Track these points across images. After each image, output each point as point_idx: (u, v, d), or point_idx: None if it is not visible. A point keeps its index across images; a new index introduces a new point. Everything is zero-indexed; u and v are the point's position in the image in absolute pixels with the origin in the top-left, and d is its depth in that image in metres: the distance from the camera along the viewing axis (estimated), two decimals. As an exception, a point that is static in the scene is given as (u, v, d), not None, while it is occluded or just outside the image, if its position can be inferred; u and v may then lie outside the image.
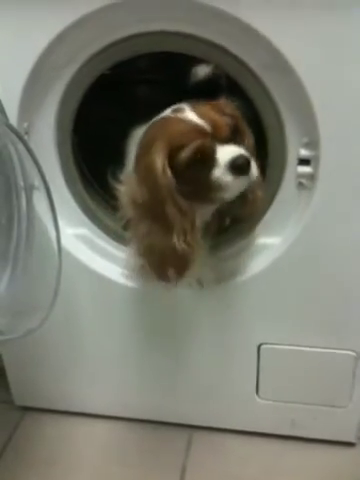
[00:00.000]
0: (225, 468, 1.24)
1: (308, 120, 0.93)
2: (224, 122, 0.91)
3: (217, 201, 0.95)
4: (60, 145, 1.06)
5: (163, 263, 0.96)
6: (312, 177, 0.98)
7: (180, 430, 1.32)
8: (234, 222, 1.10)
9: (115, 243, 1.15)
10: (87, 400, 1.35)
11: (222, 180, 0.90)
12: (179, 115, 0.91)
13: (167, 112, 0.94)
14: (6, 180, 0.98)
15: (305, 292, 1.09)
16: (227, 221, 1.10)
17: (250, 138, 0.97)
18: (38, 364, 1.32)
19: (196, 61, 1.10)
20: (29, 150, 0.93)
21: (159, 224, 0.92)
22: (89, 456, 1.28)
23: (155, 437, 1.31)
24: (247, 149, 0.92)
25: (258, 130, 0.99)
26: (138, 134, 0.99)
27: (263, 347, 1.17)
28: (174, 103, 0.96)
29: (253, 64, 0.93)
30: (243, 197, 0.97)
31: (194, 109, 0.91)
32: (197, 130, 0.89)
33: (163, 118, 0.94)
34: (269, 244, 1.08)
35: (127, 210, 0.95)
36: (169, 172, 0.89)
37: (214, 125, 0.90)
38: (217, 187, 0.91)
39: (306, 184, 1.00)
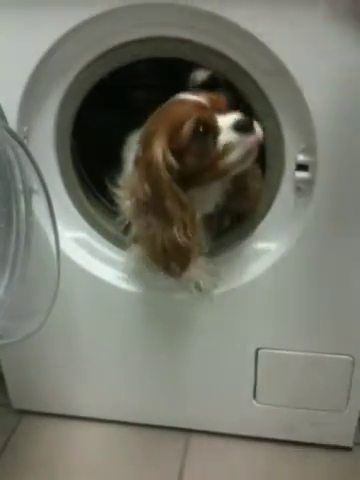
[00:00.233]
0: (222, 472, 1.24)
1: (306, 126, 0.94)
2: (222, 98, 0.93)
3: (226, 171, 0.94)
4: (59, 149, 1.06)
5: (165, 256, 0.96)
6: (310, 182, 0.99)
7: (177, 434, 1.32)
8: (233, 223, 1.11)
9: (114, 247, 1.15)
10: (84, 404, 1.35)
11: (228, 142, 0.91)
12: (176, 99, 0.94)
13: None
14: (5, 184, 0.98)
15: (303, 297, 1.10)
16: (227, 222, 1.11)
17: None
18: (36, 367, 1.32)
19: (194, 66, 1.10)
20: (28, 154, 0.93)
21: (159, 217, 0.93)
22: (86, 460, 1.28)
23: (152, 441, 1.31)
24: None
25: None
26: (137, 139, 0.99)
27: (261, 352, 1.18)
28: None
29: (251, 70, 0.93)
30: (242, 190, 1.00)
31: (191, 92, 0.93)
32: (196, 105, 0.91)
33: (160, 107, 0.95)
34: (267, 249, 1.08)
35: (129, 208, 0.96)
36: (170, 157, 0.90)
37: (212, 100, 0.91)
38: (225, 151, 0.91)
39: (304, 189, 1.00)
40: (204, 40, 0.93)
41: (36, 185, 0.97)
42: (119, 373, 1.29)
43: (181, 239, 0.93)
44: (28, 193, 0.99)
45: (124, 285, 1.15)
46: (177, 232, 0.93)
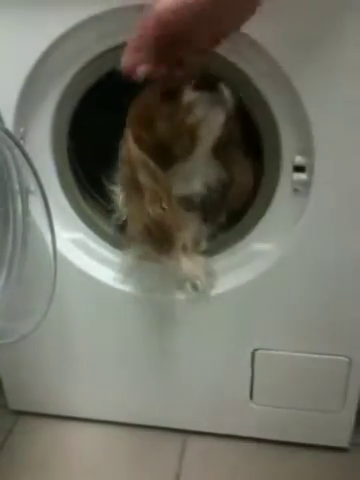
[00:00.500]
0: (219, 474, 1.24)
1: (303, 127, 0.94)
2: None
3: (195, 132, 0.93)
4: (56, 150, 1.06)
5: (147, 233, 0.98)
6: (307, 184, 0.99)
7: (174, 435, 1.32)
8: (230, 221, 1.11)
9: (111, 248, 1.15)
10: (81, 405, 1.35)
11: (190, 100, 0.91)
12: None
13: None
14: (2, 185, 0.98)
15: (299, 298, 1.10)
16: (222, 218, 1.11)
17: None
18: (32, 368, 1.32)
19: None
20: (25, 155, 0.93)
21: (137, 195, 0.96)
22: (83, 461, 1.28)
23: (149, 442, 1.31)
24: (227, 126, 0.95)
25: (253, 137, 0.99)
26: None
27: (258, 353, 1.18)
28: None
29: (248, 71, 0.93)
30: (230, 183, 1.02)
31: None
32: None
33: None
34: (264, 250, 1.08)
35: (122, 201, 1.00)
36: (139, 130, 0.94)
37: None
38: (188, 110, 0.91)
39: (301, 191, 1.00)
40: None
41: (33, 186, 0.97)
42: (115, 374, 1.29)
43: (154, 212, 0.94)
44: (25, 194, 0.99)
45: (121, 286, 1.15)
46: (150, 206, 0.94)
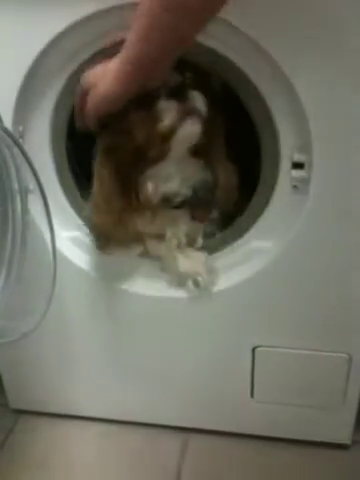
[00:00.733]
0: (220, 471, 1.24)
1: (301, 124, 0.94)
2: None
3: (166, 137, 0.94)
4: (55, 149, 1.06)
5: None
6: (306, 180, 0.99)
7: (175, 433, 1.32)
8: (226, 219, 1.11)
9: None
10: (82, 403, 1.35)
11: (161, 107, 0.92)
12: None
13: None
14: (1, 184, 0.98)
15: (299, 295, 1.10)
16: (214, 214, 1.10)
17: (217, 120, 0.98)
18: (33, 367, 1.32)
19: (192, 66, 1.10)
20: (24, 154, 0.93)
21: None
22: (83, 459, 1.28)
23: (150, 440, 1.31)
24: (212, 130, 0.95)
25: (251, 133, 0.99)
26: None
27: (258, 350, 1.18)
28: None
29: (246, 69, 0.93)
30: (214, 183, 1.02)
31: None
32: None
33: None
34: (263, 247, 1.08)
35: None
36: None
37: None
38: (159, 117, 0.92)
39: (300, 187, 1.00)
40: (201, 40, 0.92)
41: (32, 185, 0.97)
42: (116, 372, 1.29)
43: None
44: (24, 193, 0.99)
45: (121, 284, 1.15)
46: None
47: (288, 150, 0.98)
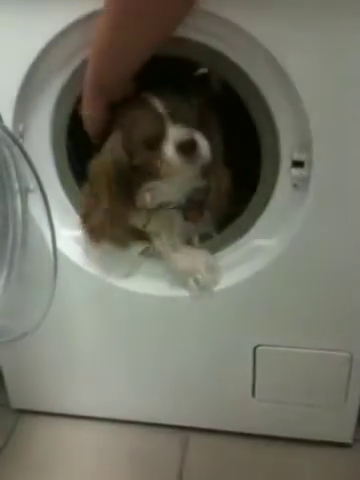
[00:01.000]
0: (221, 470, 1.24)
1: (301, 122, 0.93)
2: (181, 104, 0.96)
3: (170, 176, 0.98)
4: (56, 147, 1.06)
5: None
6: (306, 179, 0.98)
7: (176, 432, 1.32)
8: (227, 219, 1.11)
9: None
10: (83, 402, 1.35)
11: (168, 157, 0.94)
12: (139, 96, 0.97)
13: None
14: (1, 183, 0.98)
15: (300, 294, 1.10)
16: (207, 214, 1.10)
17: (214, 125, 1.00)
18: (34, 367, 1.32)
19: (191, 64, 1.10)
20: (24, 153, 0.93)
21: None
22: (85, 458, 1.28)
23: (151, 440, 1.31)
24: (208, 135, 0.96)
25: (251, 132, 0.99)
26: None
27: (259, 349, 1.18)
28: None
29: (246, 67, 0.93)
30: (207, 188, 1.03)
31: (156, 93, 0.96)
32: (150, 108, 0.94)
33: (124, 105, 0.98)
34: (264, 246, 1.08)
35: None
36: (120, 151, 0.97)
37: (169, 106, 0.94)
38: (164, 163, 0.95)
39: (300, 186, 1.00)
40: (201, 38, 0.92)
41: (32, 184, 0.97)
42: (117, 371, 1.29)
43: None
44: (24, 192, 1.00)
45: (121, 283, 1.15)
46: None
47: (288, 149, 0.98)
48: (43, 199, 0.97)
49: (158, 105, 0.95)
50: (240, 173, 1.05)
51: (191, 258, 1.09)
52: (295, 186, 1.00)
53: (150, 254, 1.13)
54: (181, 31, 0.92)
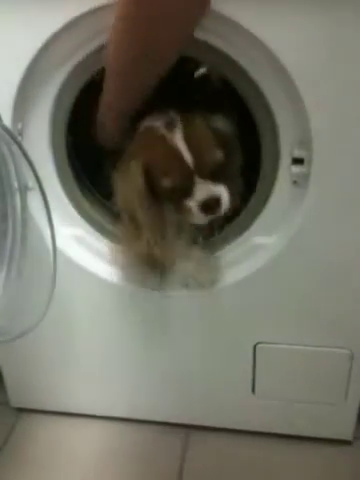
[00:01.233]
0: (222, 467, 1.24)
1: (301, 120, 0.93)
2: (209, 157, 0.97)
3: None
4: (55, 145, 1.06)
5: (141, 263, 1.06)
6: (306, 176, 0.98)
7: (177, 430, 1.32)
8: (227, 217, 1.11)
9: (110, 244, 1.14)
10: (83, 401, 1.35)
11: (191, 211, 0.99)
12: (168, 136, 0.96)
13: (160, 124, 0.98)
14: (0, 181, 0.98)
15: (300, 291, 1.10)
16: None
17: (237, 157, 1.02)
18: (34, 365, 1.31)
19: (190, 62, 1.10)
20: (23, 151, 0.93)
21: (133, 228, 1.02)
22: (85, 457, 1.28)
23: (151, 437, 1.31)
24: (232, 168, 1.00)
25: (252, 129, 0.99)
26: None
27: (259, 346, 1.18)
28: (168, 102, 0.99)
29: (246, 64, 0.93)
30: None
31: (185, 130, 0.96)
32: (180, 163, 0.95)
33: (153, 132, 0.98)
34: (264, 243, 1.08)
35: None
36: (144, 191, 0.99)
37: (198, 160, 0.95)
38: (187, 212, 1.00)
39: (300, 183, 1.00)
40: (201, 36, 0.92)
41: (31, 182, 0.97)
42: (117, 370, 1.29)
43: (151, 249, 1.02)
44: (23, 190, 0.99)
45: (121, 282, 1.14)
46: (147, 244, 1.02)
47: (288, 146, 0.97)
48: (42, 197, 0.96)
49: (187, 156, 0.95)
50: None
51: (186, 261, 1.09)
52: (295, 183, 1.00)
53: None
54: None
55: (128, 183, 1.00)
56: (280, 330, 1.16)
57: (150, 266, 1.07)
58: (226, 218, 1.09)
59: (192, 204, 0.99)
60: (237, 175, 1.04)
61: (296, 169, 0.98)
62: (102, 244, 1.15)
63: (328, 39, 0.87)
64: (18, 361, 1.32)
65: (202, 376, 1.25)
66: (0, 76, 0.97)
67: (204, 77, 1.15)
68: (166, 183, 0.97)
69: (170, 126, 0.97)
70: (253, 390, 1.24)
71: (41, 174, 0.94)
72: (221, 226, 1.11)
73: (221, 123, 1.01)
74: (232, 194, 1.00)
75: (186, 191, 0.98)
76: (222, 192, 0.98)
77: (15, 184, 0.99)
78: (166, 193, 0.99)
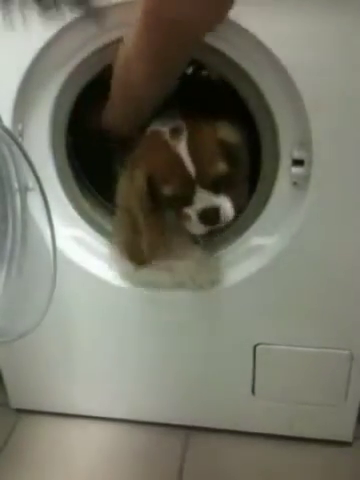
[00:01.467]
0: (222, 469, 1.24)
1: (301, 121, 0.93)
2: (212, 169, 0.96)
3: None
4: (55, 146, 1.06)
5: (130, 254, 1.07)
6: (306, 177, 0.98)
7: (177, 431, 1.32)
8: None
9: (111, 244, 1.14)
10: (83, 402, 1.35)
11: (191, 220, 0.99)
12: (173, 143, 0.96)
13: (166, 130, 0.98)
14: (0, 182, 0.98)
15: (300, 292, 1.10)
16: None
17: (243, 167, 1.02)
18: (34, 367, 1.31)
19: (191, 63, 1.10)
20: (23, 152, 0.93)
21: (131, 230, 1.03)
22: (85, 458, 1.28)
23: (151, 438, 1.31)
24: (237, 178, 0.99)
25: (252, 130, 0.99)
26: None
27: (259, 347, 1.18)
28: (169, 103, 0.99)
29: (246, 65, 0.93)
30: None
31: (190, 139, 0.96)
32: (182, 171, 0.95)
33: (159, 138, 0.98)
34: (264, 244, 1.08)
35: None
36: (145, 197, 0.99)
37: (200, 170, 0.95)
38: (187, 220, 1.00)
39: (300, 184, 1.00)
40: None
41: (31, 183, 0.97)
42: (117, 371, 1.29)
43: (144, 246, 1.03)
44: (23, 191, 0.99)
45: (121, 283, 1.15)
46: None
47: (288, 147, 0.98)
48: (42, 198, 0.96)
49: (189, 166, 0.95)
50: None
51: (184, 262, 1.09)
52: (295, 184, 1.00)
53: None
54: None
55: (131, 187, 1.00)
56: (280, 331, 1.16)
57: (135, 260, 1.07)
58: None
59: (192, 213, 0.99)
60: (243, 184, 1.03)
61: (296, 170, 0.99)
62: (102, 245, 1.15)
63: (328, 40, 0.87)
64: (18, 362, 1.32)
65: (202, 377, 1.24)
66: (1, 77, 0.97)
67: (204, 78, 1.16)
68: (167, 190, 0.97)
69: (176, 133, 0.97)
70: (253, 391, 1.24)
71: (41, 175, 0.94)
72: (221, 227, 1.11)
73: (229, 132, 0.99)
74: (236, 203, 1.00)
75: (187, 199, 0.98)
76: (223, 203, 0.98)
77: (15, 185, 0.99)
78: (167, 200, 0.99)
